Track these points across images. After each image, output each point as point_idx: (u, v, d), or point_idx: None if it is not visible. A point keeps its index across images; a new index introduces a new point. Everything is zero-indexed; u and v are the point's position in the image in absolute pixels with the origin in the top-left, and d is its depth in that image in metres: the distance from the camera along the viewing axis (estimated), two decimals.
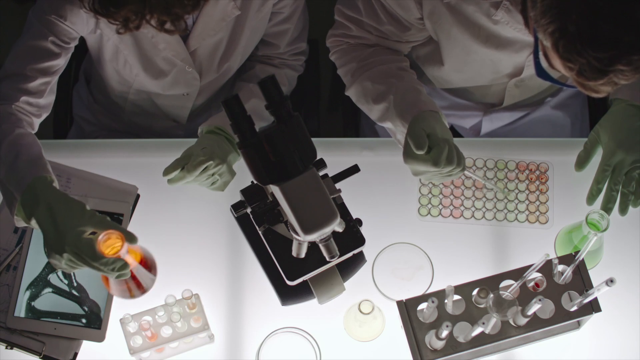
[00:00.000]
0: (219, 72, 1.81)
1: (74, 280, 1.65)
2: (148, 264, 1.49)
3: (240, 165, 1.69)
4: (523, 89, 1.83)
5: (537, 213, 1.72)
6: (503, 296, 1.44)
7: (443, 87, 1.92)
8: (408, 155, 1.52)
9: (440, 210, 1.72)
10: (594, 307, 1.48)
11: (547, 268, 1.50)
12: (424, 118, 1.53)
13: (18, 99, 1.59)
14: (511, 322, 1.48)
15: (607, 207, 1.65)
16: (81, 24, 1.63)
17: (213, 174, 1.64)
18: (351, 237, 1.50)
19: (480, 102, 1.93)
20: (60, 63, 1.64)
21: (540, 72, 1.38)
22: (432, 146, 1.50)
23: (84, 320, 1.62)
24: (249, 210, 1.47)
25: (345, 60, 1.74)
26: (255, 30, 1.77)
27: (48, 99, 1.65)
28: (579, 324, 1.58)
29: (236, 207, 1.47)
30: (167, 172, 1.61)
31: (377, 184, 1.74)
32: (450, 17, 1.60)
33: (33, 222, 1.45)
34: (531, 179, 1.75)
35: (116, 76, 1.83)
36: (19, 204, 1.46)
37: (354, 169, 1.50)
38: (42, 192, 1.45)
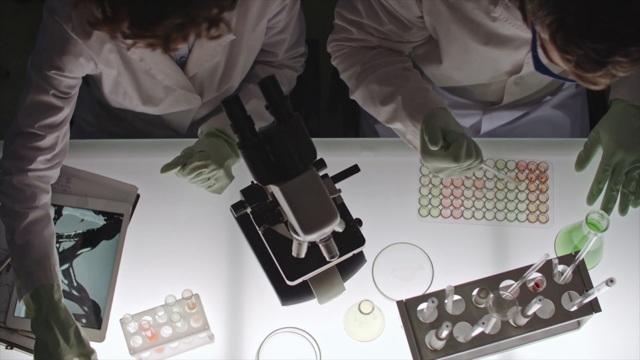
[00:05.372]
0: (219, 91, 1.81)
1: (74, 280, 1.65)
2: None
3: (240, 165, 1.69)
4: (522, 87, 1.83)
5: (537, 212, 1.72)
6: (503, 296, 1.44)
7: (442, 86, 1.92)
8: (427, 153, 1.52)
9: (441, 210, 1.72)
10: (594, 307, 1.48)
11: (547, 268, 1.50)
12: (436, 115, 1.54)
13: (34, 159, 1.62)
14: (511, 322, 1.48)
15: (607, 207, 1.65)
16: (80, 70, 1.63)
17: (209, 179, 1.64)
18: (351, 237, 1.50)
19: (480, 100, 1.93)
20: (66, 113, 1.65)
21: (539, 66, 1.38)
22: (450, 141, 1.51)
23: (84, 320, 1.62)
24: (249, 210, 1.47)
25: (349, 64, 1.73)
26: (252, 48, 1.76)
27: (62, 145, 1.67)
28: (579, 324, 1.58)
29: (236, 207, 1.47)
30: (164, 169, 1.62)
31: (377, 184, 1.74)
32: (449, 14, 1.60)
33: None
34: (531, 178, 1.75)
35: (117, 104, 1.83)
36: (27, 298, 1.54)
37: (354, 169, 1.50)
38: (45, 304, 1.53)
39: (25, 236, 1.58)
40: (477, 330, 1.39)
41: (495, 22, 1.57)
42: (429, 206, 1.73)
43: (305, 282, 1.51)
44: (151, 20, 1.29)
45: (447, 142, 1.52)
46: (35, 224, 1.60)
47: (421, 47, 1.80)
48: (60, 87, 1.62)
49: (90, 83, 1.88)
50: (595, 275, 1.54)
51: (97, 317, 1.63)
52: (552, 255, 1.65)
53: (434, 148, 1.50)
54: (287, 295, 1.56)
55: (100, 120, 2.00)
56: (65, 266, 1.66)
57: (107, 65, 1.66)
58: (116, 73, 1.69)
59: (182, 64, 1.69)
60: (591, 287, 1.49)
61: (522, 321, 1.46)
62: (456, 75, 1.82)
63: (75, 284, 1.65)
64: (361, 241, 1.51)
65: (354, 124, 2.11)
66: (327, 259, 1.42)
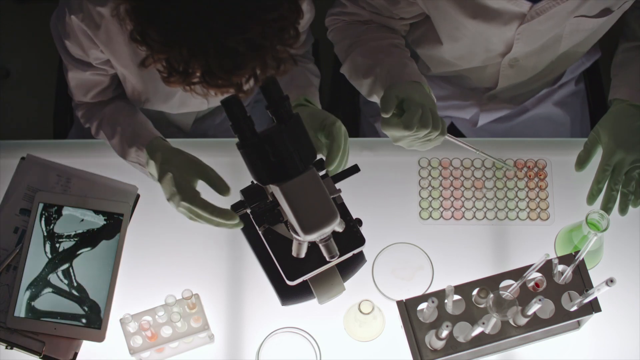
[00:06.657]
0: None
1: (74, 280, 1.65)
2: None
3: (240, 165, 1.68)
4: (517, 70, 1.82)
5: (538, 210, 1.72)
6: (503, 296, 1.44)
7: (439, 72, 1.92)
8: (383, 121, 1.53)
9: (442, 213, 1.72)
10: (594, 307, 1.48)
11: (547, 268, 1.50)
12: (400, 85, 1.55)
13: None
14: (511, 322, 1.48)
15: (607, 207, 1.66)
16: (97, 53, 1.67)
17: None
18: (351, 237, 1.50)
19: (477, 87, 1.93)
20: (107, 80, 1.71)
21: None
22: (405, 110, 1.51)
23: (84, 320, 1.62)
24: (249, 210, 1.47)
25: (340, 38, 1.77)
26: None
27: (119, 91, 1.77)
28: (579, 324, 1.59)
29: (236, 207, 1.47)
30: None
31: (377, 184, 1.74)
32: None
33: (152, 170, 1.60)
34: (530, 176, 1.75)
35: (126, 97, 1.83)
36: (145, 153, 1.61)
37: (354, 169, 1.50)
38: (163, 151, 1.58)
39: (114, 115, 1.71)
40: (477, 330, 1.39)
41: None
42: (430, 209, 1.73)
43: (305, 282, 1.51)
44: (226, 70, 1.25)
45: (403, 111, 1.52)
46: (121, 107, 1.73)
47: (416, 29, 1.81)
48: (95, 63, 1.66)
49: None
50: (595, 275, 1.54)
51: (97, 317, 1.63)
52: (552, 255, 1.65)
53: (384, 115, 1.51)
54: (287, 295, 1.56)
55: None
56: (65, 266, 1.66)
57: (116, 58, 1.64)
58: (124, 70, 1.66)
59: None
60: (591, 287, 1.49)
61: (522, 321, 1.47)
62: (450, 55, 1.81)
63: (75, 284, 1.65)
64: (361, 241, 1.51)
65: (354, 124, 2.11)
66: (327, 259, 1.42)
